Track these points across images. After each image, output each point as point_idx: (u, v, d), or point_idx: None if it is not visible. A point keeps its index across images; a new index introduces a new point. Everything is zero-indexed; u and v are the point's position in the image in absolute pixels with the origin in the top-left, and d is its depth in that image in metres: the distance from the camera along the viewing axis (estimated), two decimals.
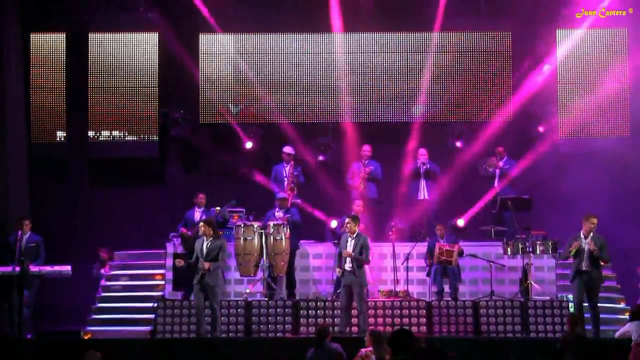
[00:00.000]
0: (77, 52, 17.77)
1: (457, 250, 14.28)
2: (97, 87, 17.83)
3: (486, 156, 16.48)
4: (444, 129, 17.53)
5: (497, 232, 15.19)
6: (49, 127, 17.86)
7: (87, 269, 15.67)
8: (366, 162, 15.75)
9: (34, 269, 13.63)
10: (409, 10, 17.51)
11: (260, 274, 14.34)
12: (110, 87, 17.83)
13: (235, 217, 15.35)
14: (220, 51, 17.89)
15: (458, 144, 17.20)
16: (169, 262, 14.98)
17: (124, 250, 16.07)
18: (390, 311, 13.76)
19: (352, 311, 13.41)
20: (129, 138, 17.87)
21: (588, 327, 13.07)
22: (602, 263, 13.42)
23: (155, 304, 14.00)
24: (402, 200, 16.13)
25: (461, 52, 17.75)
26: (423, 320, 13.71)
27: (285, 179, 15.55)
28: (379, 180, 15.82)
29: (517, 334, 13.63)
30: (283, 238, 14.34)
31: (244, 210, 15.49)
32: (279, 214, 14.85)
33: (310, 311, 13.77)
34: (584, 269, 13.21)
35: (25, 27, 17.20)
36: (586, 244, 13.23)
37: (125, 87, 17.83)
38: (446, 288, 14.38)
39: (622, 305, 14.90)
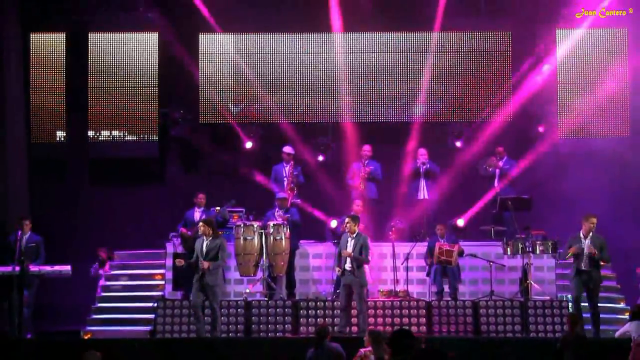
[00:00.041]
0: (77, 52, 17.77)
1: (457, 250, 14.28)
2: (97, 87, 17.83)
3: (486, 156, 16.47)
4: (444, 129, 17.52)
5: (497, 232, 15.19)
6: (48, 127, 17.86)
7: (87, 269, 15.68)
8: (366, 162, 15.75)
9: (33, 268, 13.64)
10: (409, 10, 17.50)
11: (260, 274, 14.34)
12: (110, 87, 17.83)
13: (235, 217, 15.34)
14: (220, 51, 17.88)
15: (458, 144, 17.19)
16: (169, 262, 14.98)
17: (124, 250, 16.06)
18: (390, 311, 13.77)
19: (352, 311, 13.42)
20: (129, 138, 17.87)
21: (588, 327, 13.08)
22: (602, 263, 13.43)
23: (155, 304, 14.01)
24: (402, 200, 16.13)
25: (461, 52, 17.75)
26: (423, 320, 13.71)
27: (285, 178, 15.55)
28: (379, 180, 15.82)
29: (517, 334, 13.63)
30: (283, 238, 14.34)
31: (243, 210, 15.49)
32: (278, 213, 14.85)
33: (310, 311, 13.77)
34: (583, 268, 13.23)
35: (25, 27, 17.21)
36: (586, 244, 13.23)
37: (125, 87, 17.83)
38: (446, 288, 14.38)
39: (622, 305, 14.90)
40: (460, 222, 15.69)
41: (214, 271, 13.01)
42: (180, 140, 17.79)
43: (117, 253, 16.01)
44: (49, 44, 17.87)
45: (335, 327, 13.17)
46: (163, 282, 15.33)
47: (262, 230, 14.36)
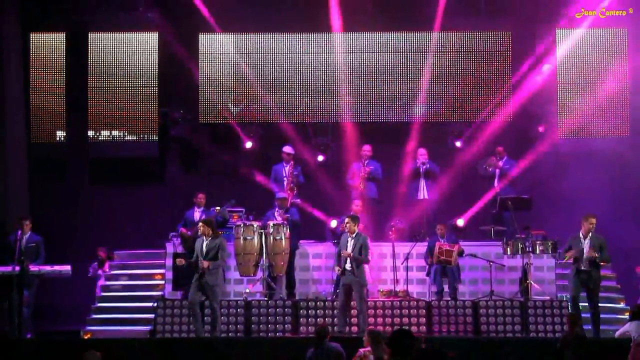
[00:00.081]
0: (76, 52, 17.77)
1: (457, 250, 14.27)
2: (96, 87, 17.83)
3: (486, 156, 16.47)
4: (444, 129, 17.52)
5: (497, 231, 15.19)
6: (48, 127, 17.86)
7: (87, 269, 15.69)
8: (366, 162, 15.75)
9: (33, 268, 13.64)
10: (409, 10, 17.50)
11: (260, 274, 14.34)
12: (110, 87, 17.83)
13: (235, 217, 15.34)
14: (219, 51, 17.88)
15: (458, 144, 17.19)
16: (169, 262, 14.98)
17: (124, 250, 16.07)
18: (389, 311, 13.76)
19: (352, 311, 13.43)
20: (129, 138, 17.87)
21: (587, 327, 13.06)
22: (602, 263, 13.42)
23: (155, 304, 14.00)
24: (402, 200, 16.12)
25: (461, 52, 17.75)
26: (423, 320, 13.70)
27: (285, 178, 15.55)
28: (379, 180, 15.82)
29: (516, 334, 13.62)
30: (283, 238, 14.34)
31: (243, 210, 15.49)
32: (278, 213, 14.85)
33: (310, 311, 13.77)
34: (583, 269, 13.21)
35: (25, 27, 17.22)
36: (585, 245, 13.22)
37: (124, 86, 17.83)
38: (446, 288, 14.38)
39: (622, 305, 14.90)
40: (460, 222, 15.69)
41: (213, 271, 13.01)
42: (180, 140, 17.80)
43: (117, 253, 16.02)
44: (48, 44, 17.87)
45: (335, 327, 13.17)
46: (163, 282, 15.33)
47: (262, 230, 14.36)
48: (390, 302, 13.86)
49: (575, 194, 16.02)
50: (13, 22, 16.69)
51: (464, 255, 14.56)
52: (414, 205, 15.96)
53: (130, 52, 17.84)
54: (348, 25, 17.34)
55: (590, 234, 13.25)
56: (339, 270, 13.29)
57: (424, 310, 13.76)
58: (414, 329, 13.37)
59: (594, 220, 13.24)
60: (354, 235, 13.28)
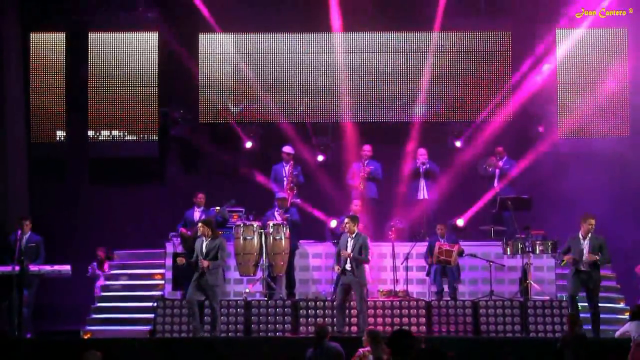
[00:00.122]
0: (76, 51, 17.77)
1: (457, 250, 14.26)
2: (96, 87, 17.83)
3: (486, 156, 16.47)
4: (444, 129, 17.52)
5: (497, 231, 15.19)
6: (48, 127, 17.86)
7: (87, 269, 15.70)
8: (366, 162, 15.75)
9: (33, 268, 13.64)
10: (409, 10, 17.50)
11: (259, 274, 14.34)
12: (109, 87, 17.82)
13: (235, 217, 15.34)
14: (219, 51, 17.88)
15: (458, 144, 17.19)
16: (169, 261, 14.99)
17: (123, 249, 16.07)
18: (389, 311, 13.75)
19: (352, 311, 13.43)
20: (129, 138, 17.86)
21: (587, 327, 13.05)
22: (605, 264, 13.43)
23: (155, 304, 14.00)
24: (401, 200, 16.12)
25: (461, 52, 17.75)
26: (422, 320, 13.70)
27: (285, 178, 15.55)
28: (379, 180, 15.82)
29: (516, 334, 13.61)
30: (282, 238, 14.34)
31: (243, 209, 15.48)
32: (278, 213, 14.85)
33: (309, 311, 13.77)
34: (582, 269, 13.20)
35: (25, 27, 17.21)
36: (585, 246, 13.21)
37: (124, 86, 17.83)
38: (446, 288, 14.37)
39: (621, 305, 14.90)
40: (460, 222, 15.69)
41: (214, 271, 13.01)
42: (180, 140, 17.80)
43: (117, 253, 16.02)
44: (48, 44, 17.87)
45: (335, 327, 13.17)
46: (163, 282, 15.33)
47: (262, 230, 14.36)
48: (390, 302, 13.85)
49: (575, 194, 16.01)
50: (13, 22, 16.68)
51: (463, 255, 14.56)
52: (413, 205, 15.96)
53: (130, 51, 17.84)
54: (348, 25, 17.33)
55: (589, 235, 13.23)
56: (338, 269, 13.29)
57: (424, 310, 13.76)
58: (413, 329, 13.36)
59: (593, 221, 13.22)
60: (353, 235, 13.28)
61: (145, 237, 16.07)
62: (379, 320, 13.66)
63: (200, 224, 13.32)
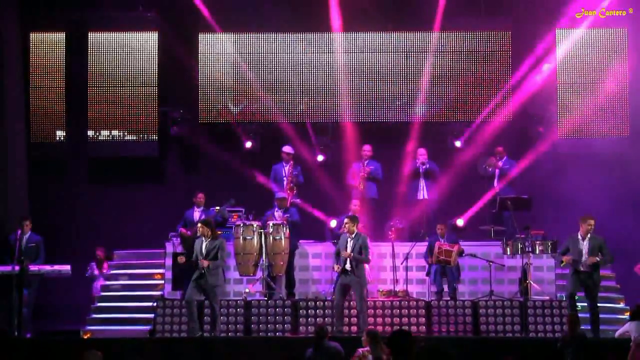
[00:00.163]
0: (76, 51, 17.75)
1: (457, 251, 14.26)
2: (96, 87, 17.80)
3: (486, 156, 16.47)
4: (444, 129, 17.52)
5: (497, 231, 15.19)
6: (48, 127, 17.83)
7: (87, 269, 15.70)
8: (366, 162, 15.75)
9: (33, 268, 13.64)
10: (408, 10, 17.49)
11: (259, 274, 14.34)
12: (109, 87, 17.79)
13: (235, 217, 15.34)
14: (219, 51, 17.86)
15: (458, 144, 17.18)
16: (169, 261, 14.99)
17: (123, 249, 16.07)
18: (389, 311, 13.75)
19: (352, 310, 13.43)
20: (129, 137, 17.82)
21: (587, 327, 13.05)
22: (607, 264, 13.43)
23: (155, 304, 14.00)
24: (401, 200, 16.13)
25: (461, 51, 17.73)
26: (422, 320, 13.70)
27: (285, 178, 15.55)
28: (379, 180, 15.82)
29: (516, 334, 13.62)
30: (282, 238, 14.34)
31: (243, 209, 15.48)
32: (278, 213, 14.85)
33: (309, 311, 13.77)
34: (582, 269, 13.19)
35: (25, 26, 17.20)
36: (584, 247, 13.20)
37: (124, 86, 17.80)
38: (445, 288, 14.37)
39: (621, 305, 14.90)
40: (460, 222, 15.69)
41: (214, 271, 13.01)
42: (180, 140, 17.79)
43: (117, 253, 16.02)
44: (48, 44, 17.85)
45: (334, 327, 13.17)
46: (162, 282, 15.33)
47: (262, 230, 14.36)
48: (389, 302, 13.85)
49: (575, 194, 16.01)
50: (13, 22, 16.68)
51: (463, 255, 14.55)
52: (413, 205, 15.95)
53: (129, 51, 17.81)
54: (347, 25, 17.33)
55: (589, 235, 13.23)
56: (338, 268, 13.28)
57: (424, 310, 13.76)
58: (413, 329, 13.38)
59: (592, 222, 13.21)
60: (353, 235, 13.28)
61: (145, 237, 16.06)
62: (379, 320, 13.66)
63: (199, 224, 13.32)
